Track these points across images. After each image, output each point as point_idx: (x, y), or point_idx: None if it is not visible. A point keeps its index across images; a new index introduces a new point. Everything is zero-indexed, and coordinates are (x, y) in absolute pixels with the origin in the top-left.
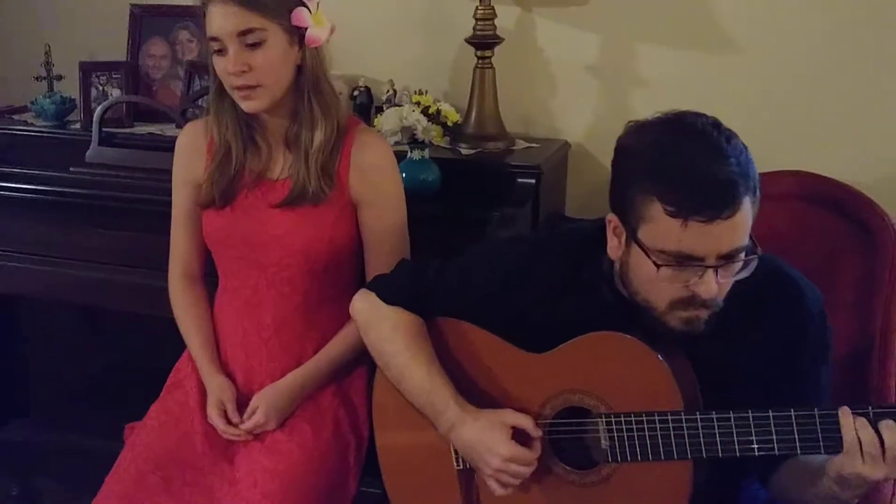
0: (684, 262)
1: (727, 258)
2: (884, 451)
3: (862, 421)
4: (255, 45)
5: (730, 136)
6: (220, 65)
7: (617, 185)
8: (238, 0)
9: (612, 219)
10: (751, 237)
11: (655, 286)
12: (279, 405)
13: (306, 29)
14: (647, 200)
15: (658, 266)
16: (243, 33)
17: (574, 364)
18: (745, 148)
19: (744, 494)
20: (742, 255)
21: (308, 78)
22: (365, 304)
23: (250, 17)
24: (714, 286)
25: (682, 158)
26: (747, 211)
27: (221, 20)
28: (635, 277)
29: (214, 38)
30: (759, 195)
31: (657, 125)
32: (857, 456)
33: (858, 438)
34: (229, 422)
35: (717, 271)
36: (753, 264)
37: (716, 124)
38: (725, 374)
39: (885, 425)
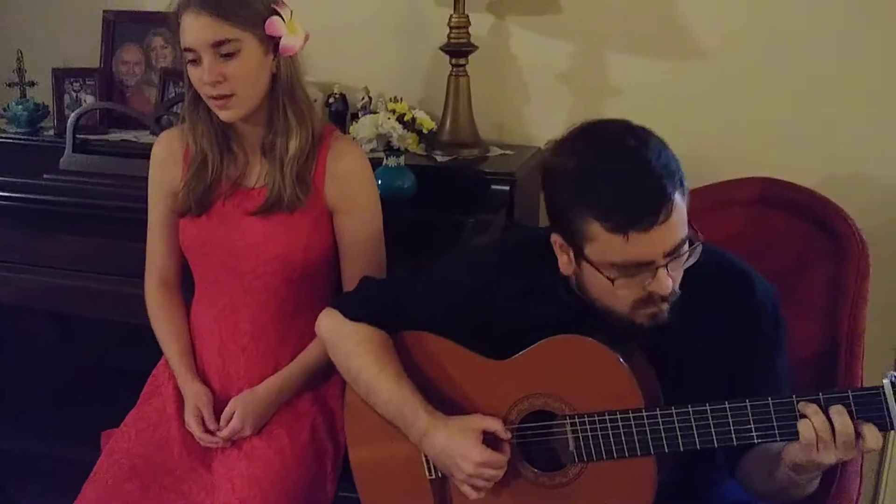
0: (635, 269)
1: (673, 254)
2: (835, 436)
3: (814, 408)
4: (229, 56)
5: (645, 138)
6: (195, 74)
7: (553, 208)
8: (212, 11)
9: (555, 239)
10: (689, 224)
11: (613, 295)
12: (256, 411)
13: (280, 38)
14: (585, 222)
15: (612, 280)
16: (218, 44)
17: (537, 369)
18: (662, 144)
19: (713, 493)
20: (686, 246)
21: (283, 86)
22: (330, 322)
23: (224, 28)
24: (668, 282)
25: (607, 176)
26: (680, 206)
27: (196, 31)
28: (592, 289)
29: (189, 49)
30: (686, 184)
31: (576, 145)
32: (811, 443)
33: (813, 426)
34: (207, 429)
35: (667, 267)
36: (699, 250)
37: (629, 129)
38: (684, 367)
39: (835, 410)
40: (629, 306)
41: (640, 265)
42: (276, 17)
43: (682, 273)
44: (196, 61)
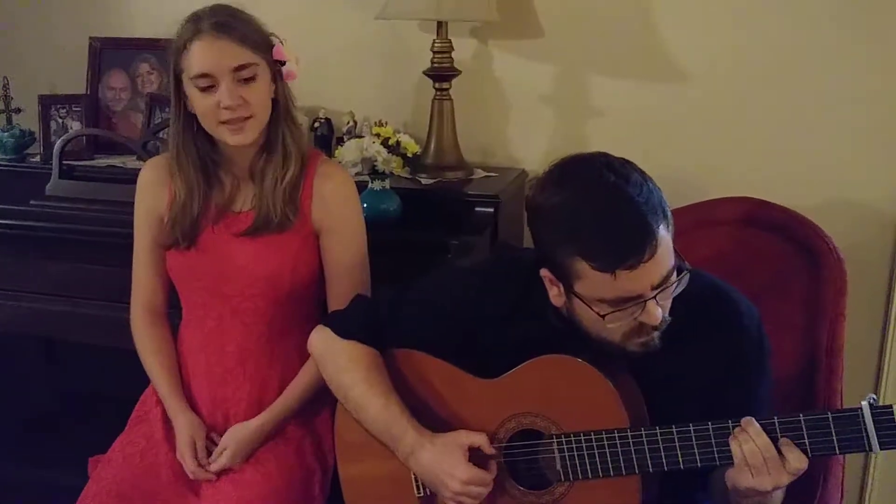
0: (624, 303)
1: (661, 286)
2: (766, 461)
3: (745, 435)
4: (248, 80)
5: (626, 173)
6: (209, 101)
7: (540, 245)
8: (233, 36)
9: (545, 273)
10: (676, 253)
11: (605, 328)
12: (248, 446)
13: (283, 63)
14: (572, 261)
15: (602, 316)
16: (239, 68)
17: (525, 388)
18: (643, 177)
19: None
20: (674, 276)
21: (282, 111)
22: (321, 340)
23: (246, 53)
24: (658, 313)
25: (590, 216)
26: (665, 239)
27: (214, 56)
28: (583, 321)
29: (205, 75)
30: (670, 215)
31: (557, 182)
32: (742, 467)
33: (741, 451)
34: (198, 462)
35: (656, 299)
36: (686, 278)
37: (608, 164)
38: (669, 388)
39: (781, 441)
40: (620, 336)
41: (629, 300)
42: (280, 44)
43: (671, 301)
44: (212, 87)
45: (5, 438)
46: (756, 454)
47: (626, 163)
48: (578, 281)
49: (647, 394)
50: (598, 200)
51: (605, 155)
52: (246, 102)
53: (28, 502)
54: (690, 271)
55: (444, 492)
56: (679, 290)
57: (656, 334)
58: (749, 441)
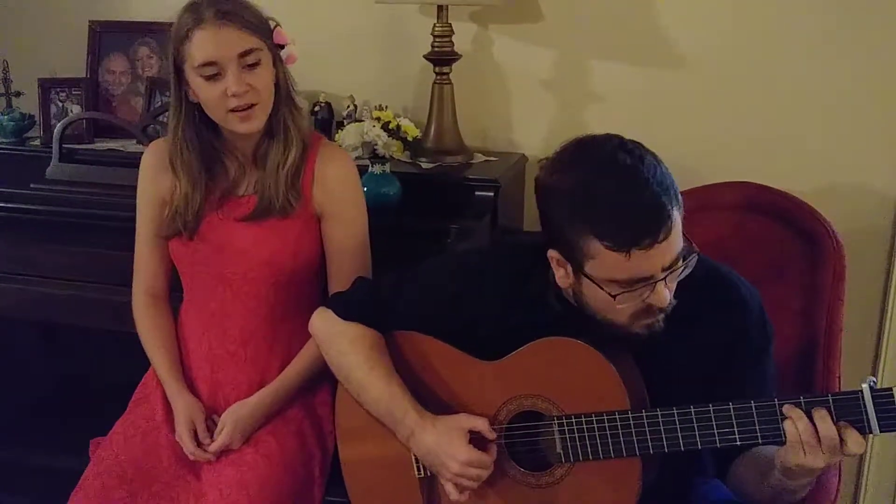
0: (636, 285)
1: (671, 268)
2: (819, 441)
3: (797, 412)
4: (253, 66)
5: (640, 154)
6: (215, 90)
7: (551, 226)
8: (237, 22)
9: (553, 254)
10: (684, 236)
11: (614, 309)
12: (246, 424)
13: (283, 47)
14: (585, 240)
15: (613, 296)
16: (244, 54)
17: (526, 370)
18: (656, 160)
19: (696, 493)
20: (682, 259)
21: (283, 95)
22: (323, 322)
23: (251, 39)
24: (666, 295)
25: (606, 196)
26: (678, 222)
27: (221, 43)
28: (592, 303)
29: (210, 63)
30: (681, 199)
31: (571, 162)
32: (797, 446)
33: (797, 429)
34: (197, 443)
35: (665, 280)
36: (694, 260)
37: (622, 145)
38: (671, 369)
39: (819, 416)
40: (627, 318)
41: (641, 280)
42: (280, 27)
43: (676, 284)
44: (218, 76)
45: (6, 423)
46: (810, 432)
47: (638, 145)
48: (591, 261)
49: (648, 376)
50: (614, 180)
51: (618, 136)
52: (253, 88)
53: (29, 486)
54: (698, 255)
55: (444, 473)
56: (686, 273)
57: (662, 316)
58: (802, 419)
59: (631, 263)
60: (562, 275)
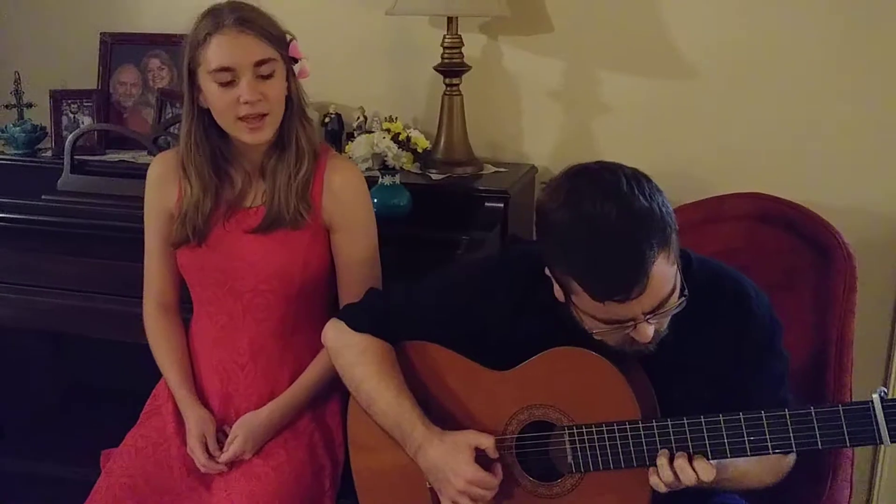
0: (615, 324)
1: (655, 311)
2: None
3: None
4: (267, 76)
5: (629, 201)
6: (229, 96)
7: (544, 251)
8: (255, 30)
9: (549, 273)
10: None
11: (601, 334)
12: (258, 434)
13: (297, 61)
14: (566, 277)
15: (592, 332)
16: (260, 63)
17: (537, 380)
18: (650, 196)
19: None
20: (673, 299)
21: (295, 108)
22: (335, 332)
23: (268, 48)
24: (650, 332)
25: (586, 247)
26: (662, 270)
27: (239, 49)
28: (581, 323)
29: (226, 69)
30: (674, 237)
31: (564, 202)
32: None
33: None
34: (209, 455)
35: (648, 321)
36: (684, 303)
37: (616, 187)
38: (680, 375)
39: (678, 466)
40: (616, 343)
41: (620, 321)
42: (296, 41)
43: (669, 319)
44: (232, 82)
45: (15, 432)
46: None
47: (634, 182)
48: (573, 294)
49: (658, 382)
50: (595, 232)
51: (618, 175)
52: (265, 97)
53: (40, 496)
54: (697, 256)
55: (447, 489)
56: (677, 311)
57: (652, 345)
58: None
59: (607, 309)
60: (558, 292)
